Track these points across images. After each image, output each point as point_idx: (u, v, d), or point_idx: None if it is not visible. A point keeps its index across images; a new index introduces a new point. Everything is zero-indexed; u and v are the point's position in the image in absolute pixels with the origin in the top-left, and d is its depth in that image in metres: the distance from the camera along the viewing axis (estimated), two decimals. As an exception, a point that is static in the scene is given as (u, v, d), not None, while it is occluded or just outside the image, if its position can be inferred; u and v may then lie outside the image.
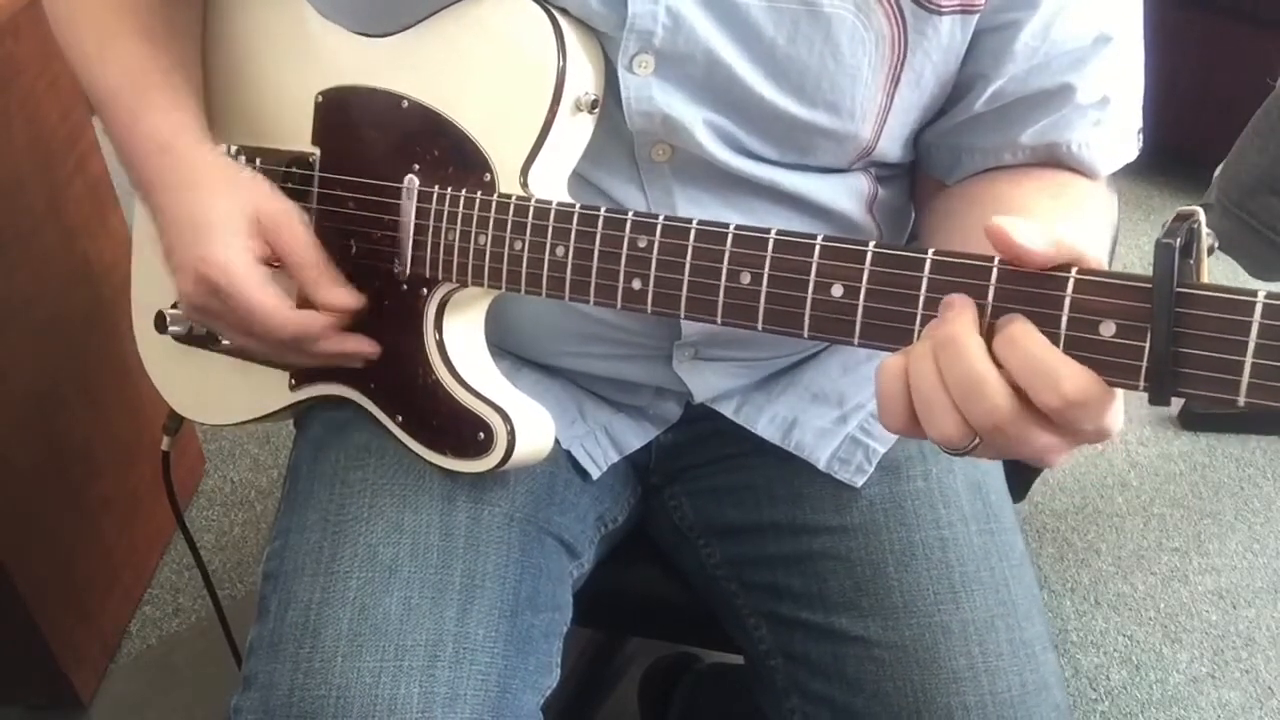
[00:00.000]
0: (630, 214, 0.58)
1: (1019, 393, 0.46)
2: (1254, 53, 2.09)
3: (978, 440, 0.48)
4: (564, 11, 0.62)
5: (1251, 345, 0.42)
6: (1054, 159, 0.68)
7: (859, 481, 0.75)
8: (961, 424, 0.48)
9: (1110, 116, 0.67)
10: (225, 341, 0.74)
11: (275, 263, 0.68)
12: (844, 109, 0.65)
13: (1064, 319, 0.47)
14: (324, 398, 0.75)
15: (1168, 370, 0.44)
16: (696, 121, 0.64)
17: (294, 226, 0.68)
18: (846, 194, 0.71)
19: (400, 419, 0.70)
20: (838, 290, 0.52)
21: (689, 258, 0.56)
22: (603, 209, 0.59)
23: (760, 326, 0.55)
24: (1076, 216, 0.66)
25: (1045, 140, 0.67)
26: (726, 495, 0.81)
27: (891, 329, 0.51)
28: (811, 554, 0.74)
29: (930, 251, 0.50)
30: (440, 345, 0.68)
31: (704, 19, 0.61)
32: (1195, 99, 2.33)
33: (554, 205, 0.61)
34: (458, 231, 0.65)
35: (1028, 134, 0.67)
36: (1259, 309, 0.42)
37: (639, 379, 0.77)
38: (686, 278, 0.56)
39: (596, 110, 0.64)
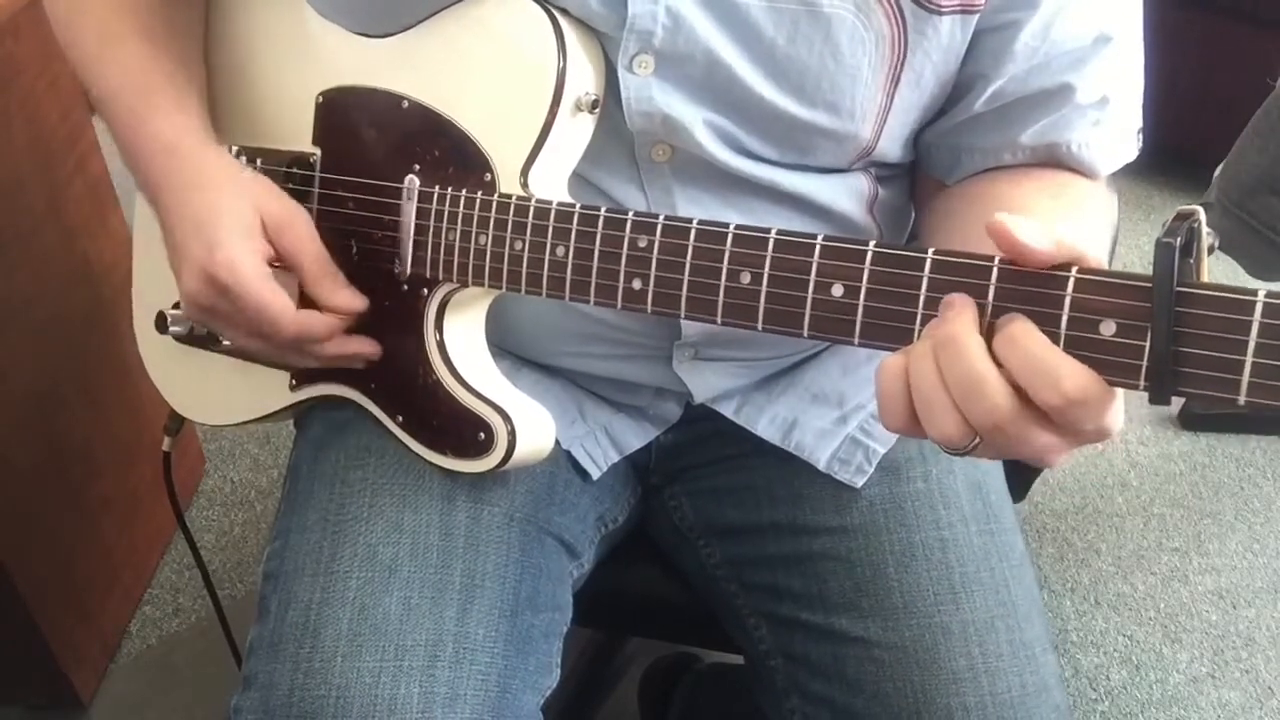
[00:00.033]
0: (630, 214, 0.58)
1: (1019, 392, 0.46)
2: (1254, 53, 2.09)
3: (978, 440, 0.48)
4: (564, 12, 0.62)
5: (1252, 345, 0.42)
6: (1054, 159, 0.68)
7: (859, 482, 0.75)
8: (962, 423, 0.48)
9: (1110, 116, 0.67)
10: (226, 342, 0.74)
11: (277, 263, 0.68)
12: (844, 109, 0.65)
13: (1064, 318, 0.47)
14: (324, 398, 0.75)
15: (1168, 370, 0.44)
16: (696, 121, 0.64)
17: (300, 228, 0.68)
18: (846, 194, 0.71)
19: (401, 419, 0.70)
20: (838, 290, 0.52)
21: (689, 257, 0.56)
22: (603, 209, 0.59)
23: (760, 326, 0.55)
24: (1076, 216, 0.66)
25: (1045, 140, 0.67)
26: (726, 496, 0.81)
27: (892, 329, 0.51)
28: (811, 554, 0.74)
29: (930, 251, 0.50)
30: (441, 345, 0.68)
31: (704, 19, 0.61)
32: (1195, 99, 2.33)
33: (554, 205, 0.61)
34: (458, 232, 0.65)
35: (1028, 134, 0.67)
36: (1259, 308, 0.42)
37: (639, 379, 0.77)
38: (686, 277, 0.56)
39: (597, 110, 0.64)
